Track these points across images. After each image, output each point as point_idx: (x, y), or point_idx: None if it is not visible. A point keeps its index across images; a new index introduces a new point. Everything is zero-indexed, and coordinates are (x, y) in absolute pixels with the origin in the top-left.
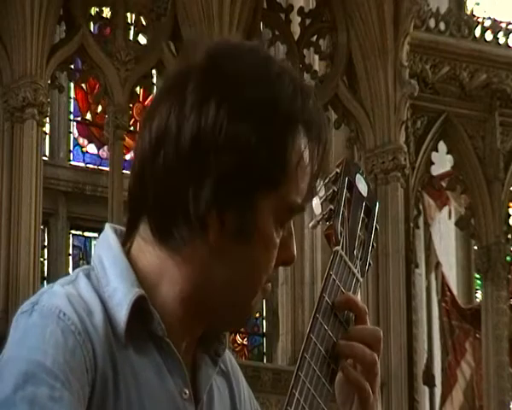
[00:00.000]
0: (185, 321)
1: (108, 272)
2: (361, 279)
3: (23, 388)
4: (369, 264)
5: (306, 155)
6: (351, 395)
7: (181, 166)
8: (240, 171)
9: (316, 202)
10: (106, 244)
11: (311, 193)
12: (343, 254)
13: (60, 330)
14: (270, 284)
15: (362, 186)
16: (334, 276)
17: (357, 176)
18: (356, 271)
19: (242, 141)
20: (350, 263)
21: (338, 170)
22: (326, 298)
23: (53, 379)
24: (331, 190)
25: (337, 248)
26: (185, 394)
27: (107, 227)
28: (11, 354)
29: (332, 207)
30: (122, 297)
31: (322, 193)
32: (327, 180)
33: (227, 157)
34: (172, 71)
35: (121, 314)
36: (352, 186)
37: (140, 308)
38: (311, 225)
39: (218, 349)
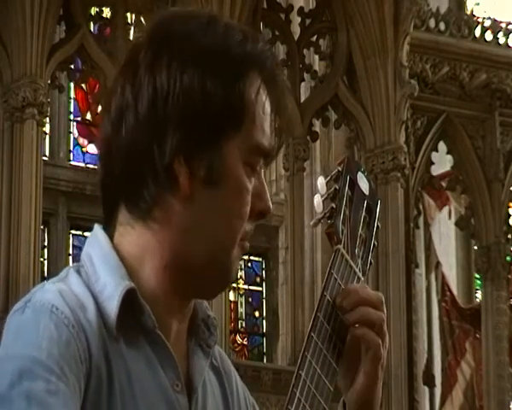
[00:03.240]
0: (170, 295)
1: (98, 268)
2: (362, 278)
3: (19, 384)
4: (371, 263)
5: (263, 93)
6: (353, 364)
7: (143, 127)
8: (199, 115)
9: (317, 200)
10: (95, 241)
11: (278, 137)
12: (344, 252)
13: (53, 324)
14: (247, 243)
15: (363, 184)
16: (335, 274)
17: (359, 174)
18: (357, 269)
19: (198, 87)
20: (351, 262)
21: (339, 168)
22: (327, 297)
23: (48, 373)
24: (332, 189)
25: (338, 246)
26: (177, 386)
27: (96, 226)
28: (6, 353)
29: (333, 205)
30: (112, 290)
31: (323, 191)
32: (328, 178)
33: (185, 105)
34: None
35: (112, 307)
36: (353, 184)
37: (130, 301)
38: (312, 223)
39: (209, 341)
